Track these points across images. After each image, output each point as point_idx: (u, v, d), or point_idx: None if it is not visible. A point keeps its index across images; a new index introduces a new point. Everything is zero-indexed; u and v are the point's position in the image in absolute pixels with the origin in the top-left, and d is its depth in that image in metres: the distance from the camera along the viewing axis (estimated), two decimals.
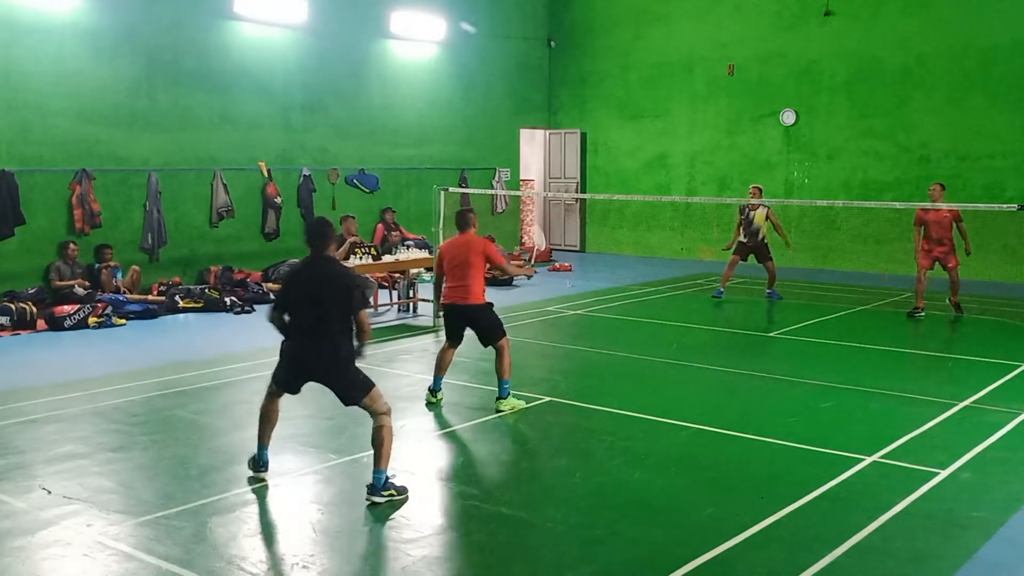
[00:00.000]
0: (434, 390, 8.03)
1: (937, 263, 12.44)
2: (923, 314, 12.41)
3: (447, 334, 8.05)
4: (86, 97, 13.63)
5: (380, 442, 5.76)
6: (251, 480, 6.17)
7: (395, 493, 5.79)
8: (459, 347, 8.08)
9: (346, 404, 5.97)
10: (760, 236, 13.90)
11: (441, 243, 8.20)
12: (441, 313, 8.18)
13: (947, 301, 12.74)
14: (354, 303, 5.87)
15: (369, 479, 5.78)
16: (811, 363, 10.13)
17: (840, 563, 4.94)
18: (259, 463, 6.18)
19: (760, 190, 14.11)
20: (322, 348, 5.84)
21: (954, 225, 12.31)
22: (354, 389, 5.89)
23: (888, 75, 17.28)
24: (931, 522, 5.52)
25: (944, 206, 12.04)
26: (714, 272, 17.29)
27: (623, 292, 15.02)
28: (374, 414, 5.87)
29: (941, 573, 4.88)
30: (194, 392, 8.51)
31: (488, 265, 7.93)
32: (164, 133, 14.57)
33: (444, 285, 7.93)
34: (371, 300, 12.75)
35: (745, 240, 13.95)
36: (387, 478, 5.79)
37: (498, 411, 7.73)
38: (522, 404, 7.88)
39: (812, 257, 18.15)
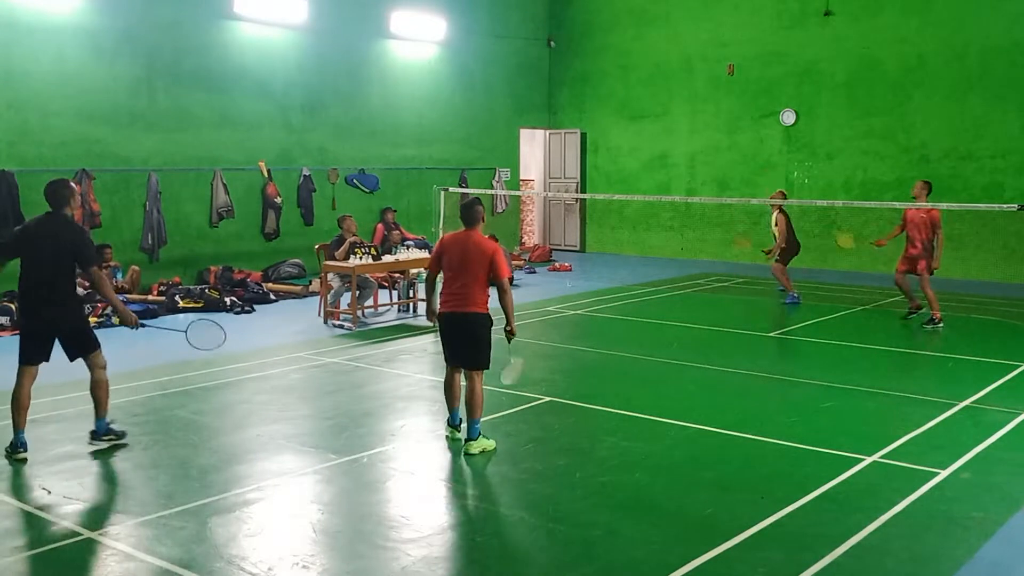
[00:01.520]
0: (454, 424, 7.02)
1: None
2: (916, 315, 12.14)
3: (448, 354, 6.94)
4: (86, 97, 13.64)
5: (101, 393, 6.72)
6: (251, 480, 6.18)
7: (116, 438, 6.76)
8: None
9: (71, 359, 6.74)
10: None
11: (443, 236, 7.12)
12: (437, 325, 7.01)
13: (910, 303, 12.12)
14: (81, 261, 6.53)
15: (363, 476, 5.80)
16: (811, 363, 10.13)
17: (840, 563, 4.94)
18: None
19: (784, 194, 13.97)
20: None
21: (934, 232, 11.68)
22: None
23: (888, 75, 17.28)
24: (931, 522, 5.52)
25: (928, 205, 11.76)
26: (715, 272, 17.29)
27: (623, 292, 15.01)
28: (93, 368, 6.72)
29: (941, 573, 4.88)
30: (194, 392, 8.51)
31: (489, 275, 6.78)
32: (164, 133, 14.58)
33: (442, 290, 6.88)
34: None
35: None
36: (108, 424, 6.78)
37: (467, 453, 6.71)
38: (492, 444, 6.84)
39: (812, 257, 18.11)
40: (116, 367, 9.40)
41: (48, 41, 13.21)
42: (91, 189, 13.48)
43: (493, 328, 6.87)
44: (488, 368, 6.86)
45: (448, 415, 7.08)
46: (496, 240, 16.09)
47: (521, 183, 21.51)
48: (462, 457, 6.78)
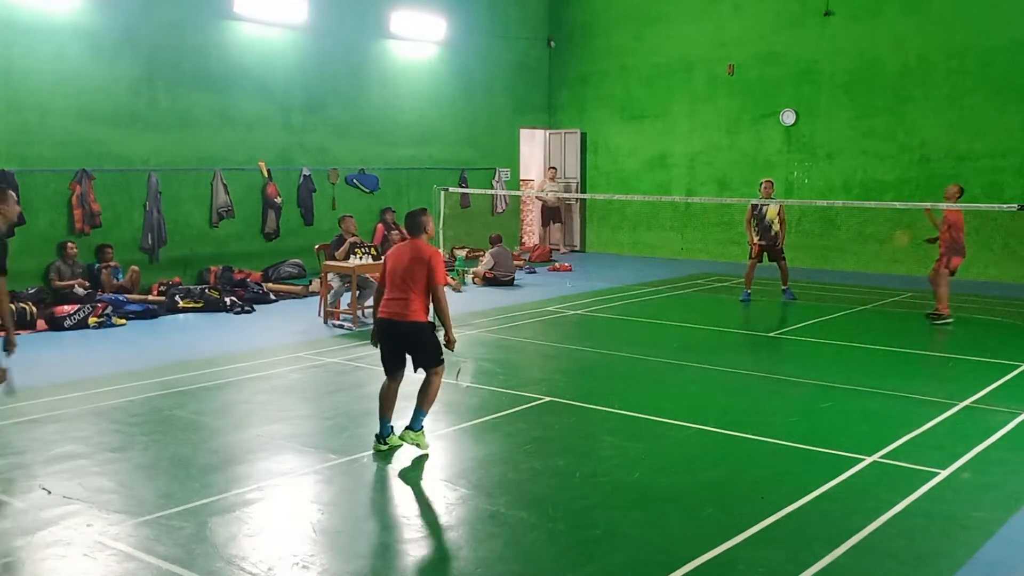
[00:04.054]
0: (382, 436, 6.75)
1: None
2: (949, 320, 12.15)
3: (384, 360, 6.77)
4: (86, 97, 13.63)
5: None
6: (251, 480, 6.18)
7: None
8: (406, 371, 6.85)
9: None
10: (773, 232, 13.84)
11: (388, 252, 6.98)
12: (373, 330, 6.85)
13: None
14: None
15: (363, 476, 5.79)
16: (811, 363, 10.13)
17: (840, 563, 4.94)
18: None
19: (772, 184, 14.08)
20: None
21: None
22: None
23: (888, 75, 17.28)
24: (931, 522, 5.52)
25: (957, 206, 11.98)
26: (715, 272, 17.29)
27: (623, 292, 15.01)
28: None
29: (941, 573, 4.88)
30: (194, 392, 8.51)
31: (427, 281, 6.56)
32: (164, 133, 14.58)
33: (382, 298, 6.75)
34: None
35: (759, 239, 13.88)
36: None
37: (400, 439, 6.75)
38: (427, 446, 6.76)
39: (812, 257, 18.15)
40: (116, 367, 9.44)
41: (48, 41, 13.21)
42: (91, 189, 13.47)
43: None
44: (442, 363, 6.74)
45: (379, 427, 6.78)
46: (500, 239, 16.17)
47: (521, 183, 21.51)
48: (463, 454, 6.78)
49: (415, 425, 6.69)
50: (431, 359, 6.68)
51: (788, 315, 12.97)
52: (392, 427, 6.80)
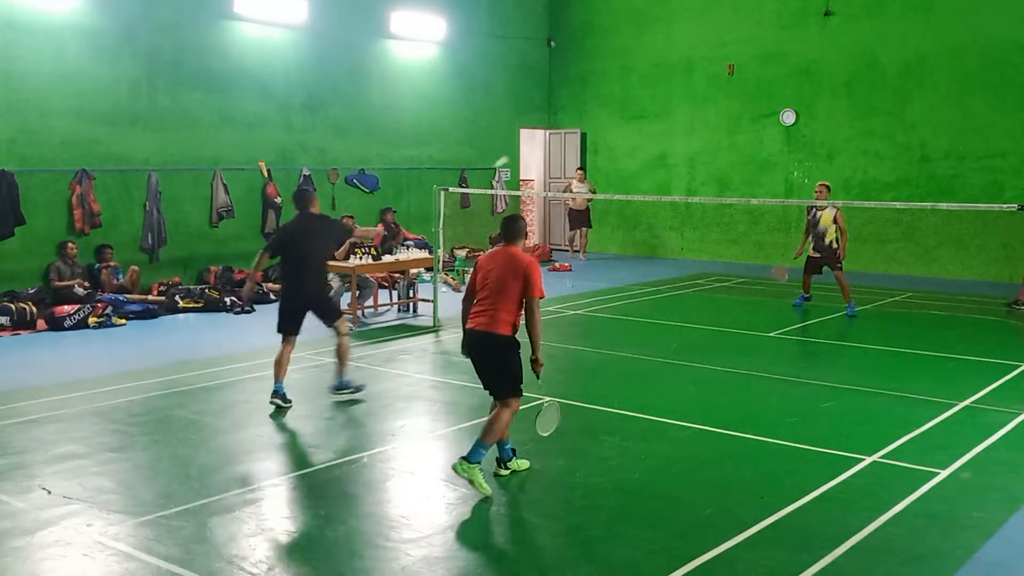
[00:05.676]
0: (502, 459, 6.31)
1: None
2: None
3: (479, 375, 6.29)
4: (86, 97, 13.62)
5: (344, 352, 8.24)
6: (251, 480, 6.19)
7: (355, 391, 8.23)
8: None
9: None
10: (827, 240, 12.57)
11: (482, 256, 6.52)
12: (464, 340, 6.29)
13: None
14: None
15: (363, 476, 5.80)
16: (811, 363, 10.12)
17: (840, 563, 4.94)
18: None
19: (828, 187, 12.83)
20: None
21: None
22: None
23: (888, 75, 17.27)
24: (931, 522, 5.52)
25: None
26: (715, 272, 17.30)
27: (623, 292, 15.01)
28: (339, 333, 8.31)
29: (941, 573, 4.88)
30: (194, 392, 8.51)
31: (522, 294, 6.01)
32: (164, 133, 14.57)
33: (472, 306, 6.21)
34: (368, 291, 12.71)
35: (814, 249, 12.73)
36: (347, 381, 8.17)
37: (452, 468, 5.96)
38: (483, 488, 5.88)
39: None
40: (116, 367, 9.44)
41: (48, 41, 13.20)
42: (91, 189, 13.47)
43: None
44: (518, 396, 6.14)
45: (499, 451, 6.32)
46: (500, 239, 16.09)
47: (521, 183, 21.49)
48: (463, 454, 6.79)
49: (471, 456, 5.89)
50: (507, 386, 6.09)
51: (788, 315, 12.96)
52: (512, 449, 6.35)
